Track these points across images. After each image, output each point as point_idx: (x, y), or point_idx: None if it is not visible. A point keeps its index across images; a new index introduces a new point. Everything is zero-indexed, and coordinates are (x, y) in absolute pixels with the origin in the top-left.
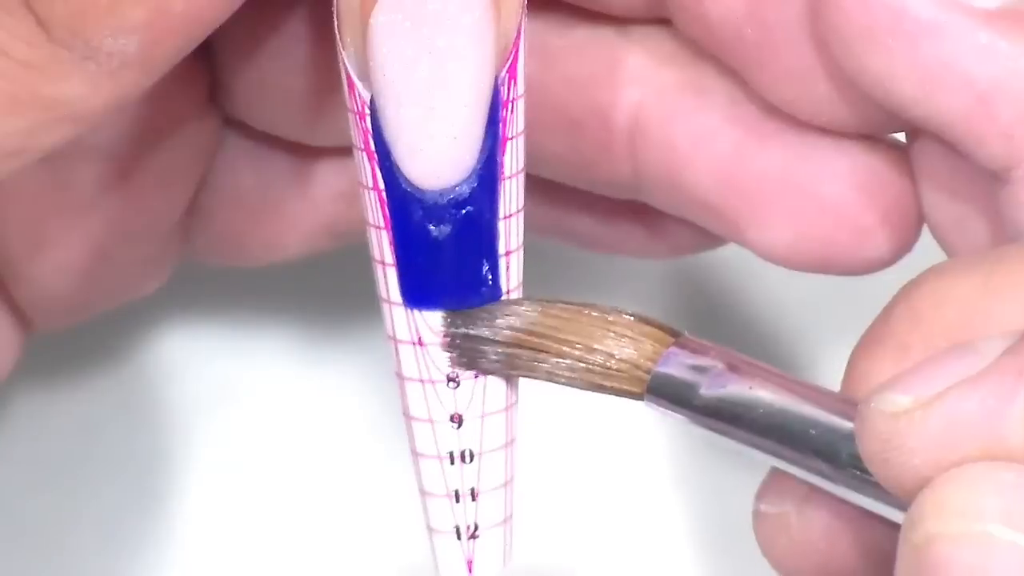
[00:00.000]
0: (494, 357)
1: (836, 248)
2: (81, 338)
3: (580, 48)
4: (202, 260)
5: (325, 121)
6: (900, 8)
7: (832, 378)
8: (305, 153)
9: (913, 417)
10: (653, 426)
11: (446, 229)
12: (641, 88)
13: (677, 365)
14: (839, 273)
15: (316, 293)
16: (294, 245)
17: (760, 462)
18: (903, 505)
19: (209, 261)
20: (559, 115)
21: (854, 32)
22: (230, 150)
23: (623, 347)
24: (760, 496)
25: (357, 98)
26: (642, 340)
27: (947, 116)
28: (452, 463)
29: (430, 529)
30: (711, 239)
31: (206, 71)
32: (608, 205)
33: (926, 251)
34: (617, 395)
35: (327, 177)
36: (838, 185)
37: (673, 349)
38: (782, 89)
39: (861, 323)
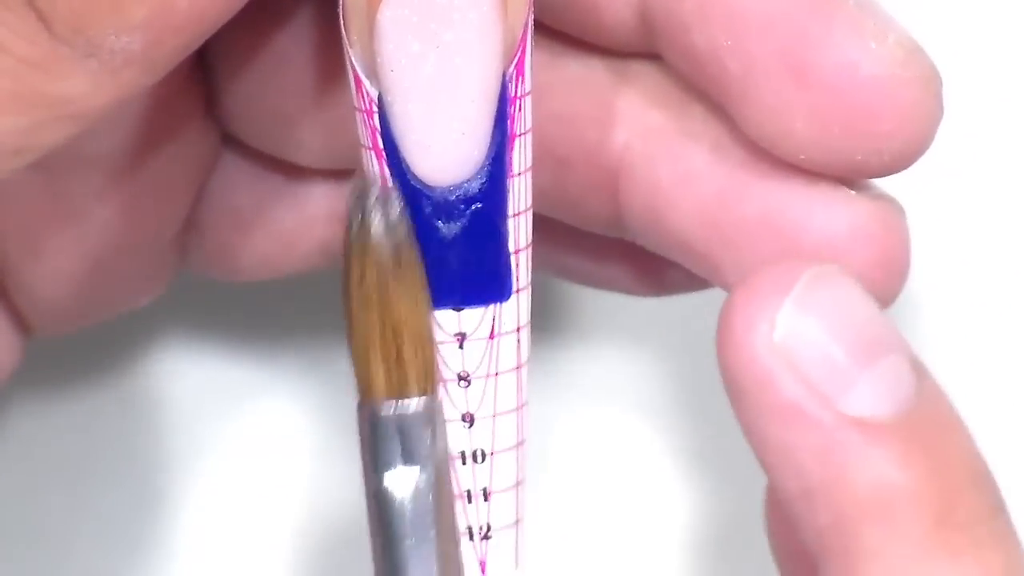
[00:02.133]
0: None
1: None
2: (81, 344)
3: (570, 86)
4: (199, 274)
5: (320, 144)
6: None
7: None
8: (301, 173)
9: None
10: (659, 431)
11: (455, 226)
12: (629, 128)
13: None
14: None
15: (318, 301)
16: (288, 264)
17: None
18: None
19: (205, 275)
20: (546, 151)
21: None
22: (227, 166)
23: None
24: None
25: (364, 96)
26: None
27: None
28: (464, 463)
29: None
30: (700, 280)
31: (202, 84)
32: (597, 242)
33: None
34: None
35: (322, 198)
36: (817, 235)
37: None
38: (762, 125)
39: None
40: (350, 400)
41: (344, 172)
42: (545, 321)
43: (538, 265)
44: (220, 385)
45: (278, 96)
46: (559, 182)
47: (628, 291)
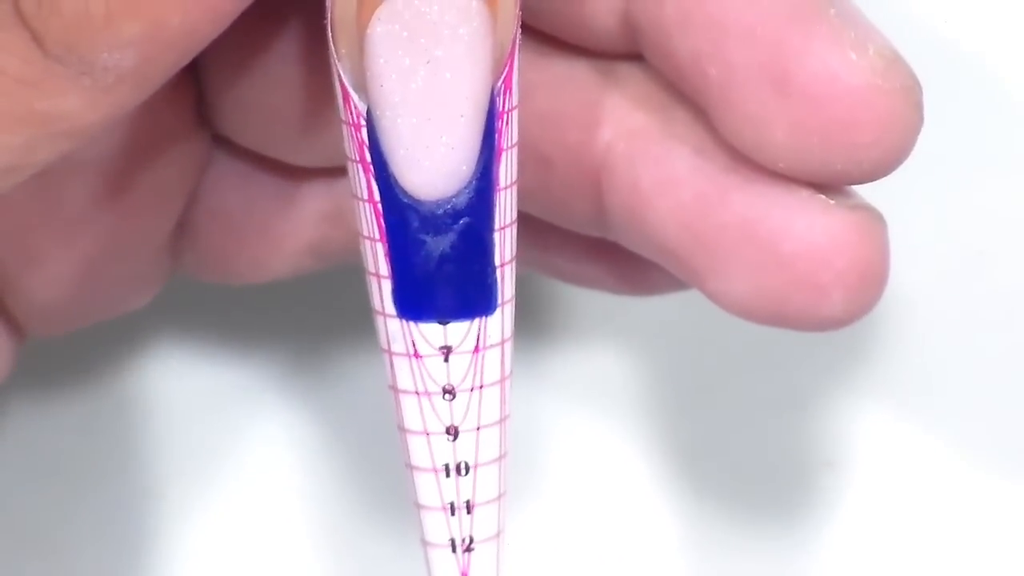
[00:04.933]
0: None
1: (792, 304)
2: (75, 347)
3: (556, 85)
4: (191, 276)
5: (309, 141)
6: None
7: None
8: (290, 173)
9: None
10: (640, 441)
11: (442, 240)
12: (613, 129)
13: None
14: (796, 329)
15: (313, 303)
16: (278, 265)
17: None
18: None
19: (197, 278)
20: (529, 150)
21: None
22: (217, 168)
23: None
24: None
25: (352, 109)
26: None
27: None
28: (448, 476)
29: (425, 543)
30: (682, 281)
31: (194, 87)
32: (581, 241)
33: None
34: None
35: (312, 198)
36: (796, 243)
37: None
38: (742, 132)
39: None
40: (345, 401)
41: (335, 170)
42: (530, 322)
43: (521, 262)
44: (214, 387)
45: (271, 94)
46: (542, 181)
47: (611, 290)
